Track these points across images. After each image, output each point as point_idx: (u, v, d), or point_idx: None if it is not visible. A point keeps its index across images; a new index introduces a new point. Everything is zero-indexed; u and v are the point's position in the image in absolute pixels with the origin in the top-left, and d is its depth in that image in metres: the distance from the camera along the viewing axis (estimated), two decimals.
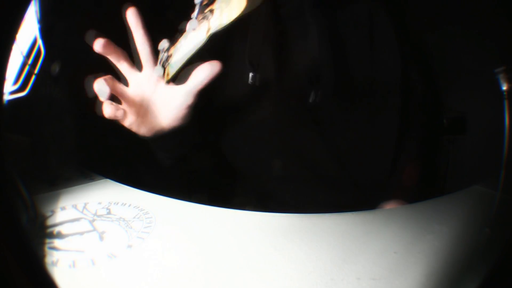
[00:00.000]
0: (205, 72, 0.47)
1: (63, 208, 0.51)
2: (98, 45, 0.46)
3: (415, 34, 0.71)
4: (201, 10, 0.47)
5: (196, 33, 0.46)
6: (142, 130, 0.51)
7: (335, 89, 0.61)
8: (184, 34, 0.47)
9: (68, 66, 0.64)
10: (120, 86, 0.48)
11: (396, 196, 0.69)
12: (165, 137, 0.53)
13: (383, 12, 0.65)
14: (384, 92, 0.64)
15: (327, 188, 0.69)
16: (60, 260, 0.39)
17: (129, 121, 0.50)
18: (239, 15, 0.44)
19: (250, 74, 0.58)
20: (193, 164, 0.66)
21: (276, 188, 0.69)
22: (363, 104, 0.64)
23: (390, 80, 0.64)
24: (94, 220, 0.47)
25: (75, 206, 0.52)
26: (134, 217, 0.48)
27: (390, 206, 0.63)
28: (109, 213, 0.50)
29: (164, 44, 0.48)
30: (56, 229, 0.45)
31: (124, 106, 0.49)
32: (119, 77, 0.49)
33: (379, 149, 0.68)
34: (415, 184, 0.69)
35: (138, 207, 0.51)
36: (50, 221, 0.47)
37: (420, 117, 0.72)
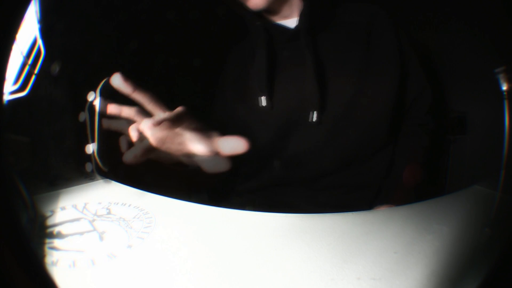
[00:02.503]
0: (233, 146, 0.50)
1: (63, 208, 0.51)
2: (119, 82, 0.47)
3: (416, 41, 0.72)
4: None
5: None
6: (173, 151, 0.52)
7: (331, 111, 0.65)
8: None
9: (68, 66, 0.64)
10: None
11: (393, 197, 0.69)
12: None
13: (381, 26, 0.67)
14: (381, 106, 0.66)
15: (327, 189, 0.69)
16: (60, 260, 0.39)
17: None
18: None
19: (262, 98, 0.64)
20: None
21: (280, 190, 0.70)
22: (362, 120, 0.66)
23: (386, 96, 0.66)
24: (94, 220, 0.47)
25: (75, 206, 0.52)
26: (134, 217, 0.48)
27: (385, 207, 0.64)
28: (109, 213, 0.50)
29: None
30: (56, 229, 0.45)
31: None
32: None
33: (377, 152, 0.69)
34: (415, 185, 0.69)
35: (138, 207, 0.51)
36: (50, 221, 0.47)
37: (421, 120, 0.72)
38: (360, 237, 0.43)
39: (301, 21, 0.64)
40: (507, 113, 0.50)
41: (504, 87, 0.54)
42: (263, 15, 0.67)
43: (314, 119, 0.63)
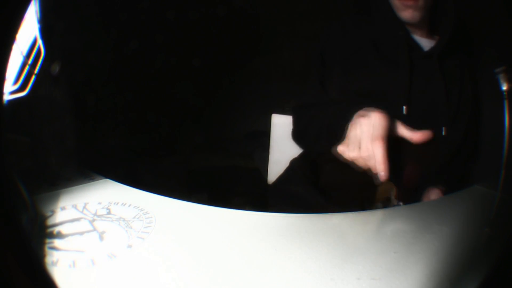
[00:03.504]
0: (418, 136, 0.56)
1: (63, 208, 0.51)
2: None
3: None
4: None
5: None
6: None
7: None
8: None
9: (68, 66, 0.64)
10: None
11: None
12: None
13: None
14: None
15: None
16: (60, 260, 0.39)
17: None
18: None
19: (404, 107, 0.67)
20: None
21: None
22: None
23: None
24: (94, 220, 0.47)
25: (75, 206, 0.52)
26: (134, 217, 0.48)
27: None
28: (109, 213, 0.50)
29: None
30: (56, 229, 0.45)
31: None
32: None
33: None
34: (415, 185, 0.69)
35: (138, 207, 0.51)
36: (50, 221, 0.47)
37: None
38: (360, 237, 0.43)
39: (438, 44, 0.69)
40: (507, 113, 0.50)
41: (504, 87, 0.54)
42: (405, 27, 0.71)
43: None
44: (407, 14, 0.67)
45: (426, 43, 0.72)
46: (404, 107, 0.67)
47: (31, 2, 0.40)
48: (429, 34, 0.73)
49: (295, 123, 0.80)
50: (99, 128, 0.70)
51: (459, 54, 0.73)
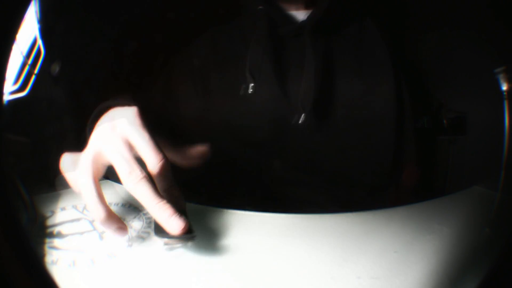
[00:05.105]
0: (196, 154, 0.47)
1: (63, 209, 0.51)
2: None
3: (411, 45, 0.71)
4: None
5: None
6: None
7: (327, 113, 0.62)
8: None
9: (68, 66, 0.64)
10: None
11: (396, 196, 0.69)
12: None
13: (376, 30, 0.66)
14: (379, 105, 0.65)
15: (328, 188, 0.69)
16: (60, 260, 0.39)
17: None
18: None
19: (250, 85, 0.58)
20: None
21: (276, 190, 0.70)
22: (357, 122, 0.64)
23: (385, 95, 0.65)
24: (94, 220, 0.47)
25: (75, 207, 0.52)
26: (134, 217, 0.48)
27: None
28: None
29: None
30: (56, 229, 0.45)
31: None
32: None
33: (374, 152, 0.68)
34: (415, 185, 0.69)
35: (138, 207, 0.51)
36: (50, 221, 0.47)
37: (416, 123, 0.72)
38: (360, 237, 0.43)
39: (310, 17, 0.60)
40: (507, 113, 0.50)
41: (504, 87, 0.54)
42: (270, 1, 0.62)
43: (302, 120, 0.59)
44: None
45: (304, 17, 0.62)
46: (251, 85, 0.58)
47: (31, 2, 0.40)
48: (310, 5, 0.62)
49: None
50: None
51: (357, 26, 0.64)
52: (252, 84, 0.58)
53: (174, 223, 0.35)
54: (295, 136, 0.63)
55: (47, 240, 0.43)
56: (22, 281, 0.27)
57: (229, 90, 0.63)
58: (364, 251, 0.40)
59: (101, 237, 0.43)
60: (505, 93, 0.54)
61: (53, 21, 0.59)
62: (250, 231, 0.45)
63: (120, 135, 0.38)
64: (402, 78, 0.68)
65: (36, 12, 0.55)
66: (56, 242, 0.42)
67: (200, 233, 0.45)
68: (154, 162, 0.37)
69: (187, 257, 0.40)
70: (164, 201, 0.36)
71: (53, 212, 0.50)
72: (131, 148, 0.38)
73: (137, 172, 0.36)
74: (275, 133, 0.64)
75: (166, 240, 0.36)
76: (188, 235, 0.35)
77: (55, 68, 0.61)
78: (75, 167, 0.38)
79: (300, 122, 0.58)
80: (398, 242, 0.41)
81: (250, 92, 0.58)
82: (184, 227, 0.35)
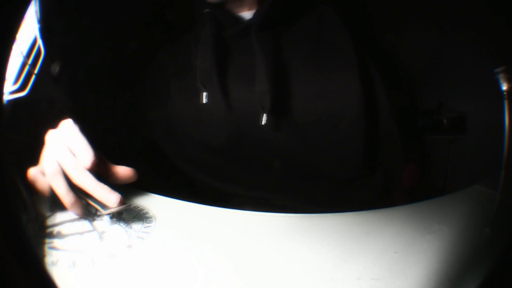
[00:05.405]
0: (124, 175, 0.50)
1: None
2: None
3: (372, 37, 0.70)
4: None
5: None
6: None
7: (287, 110, 0.61)
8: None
9: (68, 66, 0.64)
10: None
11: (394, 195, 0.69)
12: None
13: (337, 20, 0.64)
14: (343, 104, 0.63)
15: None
16: (60, 260, 0.39)
17: None
18: None
19: (204, 94, 0.59)
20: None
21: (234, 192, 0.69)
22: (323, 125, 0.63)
23: (346, 91, 0.63)
24: (94, 220, 0.47)
25: None
26: (134, 217, 0.48)
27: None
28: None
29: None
30: (56, 229, 0.45)
31: None
32: None
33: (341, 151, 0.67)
34: (414, 185, 0.69)
35: (138, 207, 0.51)
36: (50, 221, 0.47)
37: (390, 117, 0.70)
38: (360, 237, 0.43)
39: (256, 15, 0.60)
40: (507, 113, 0.50)
41: (504, 87, 0.54)
42: (218, 4, 0.61)
43: (264, 121, 0.58)
44: None
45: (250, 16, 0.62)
46: (204, 94, 0.58)
47: (31, 2, 0.40)
48: (257, 5, 0.62)
49: None
50: (99, 128, 0.70)
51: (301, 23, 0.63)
52: (205, 93, 0.59)
53: (114, 196, 0.45)
54: (260, 137, 0.62)
55: (47, 240, 0.43)
56: (22, 282, 0.27)
57: (188, 99, 0.63)
58: (364, 251, 0.40)
59: (101, 237, 0.44)
60: (505, 93, 0.54)
61: (53, 21, 0.59)
62: (250, 231, 0.45)
63: (62, 138, 0.47)
64: (369, 69, 0.66)
65: (36, 12, 0.55)
66: (56, 242, 0.42)
67: (201, 233, 0.45)
68: (87, 156, 0.46)
69: (186, 257, 0.40)
70: (103, 184, 0.45)
71: (53, 212, 0.50)
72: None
73: (81, 167, 0.45)
74: (238, 137, 0.63)
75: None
76: (124, 204, 0.46)
77: (55, 68, 0.61)
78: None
79: (263, 123, 0.58)
80: (398, 243, 0.41)
81: (204, 102, 0.59)
82: (121, 198, 0.45)
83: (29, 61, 0.56)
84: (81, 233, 0.44)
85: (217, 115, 0.62)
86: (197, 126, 0.65)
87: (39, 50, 0.57)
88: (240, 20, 0.63)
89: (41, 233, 0.44)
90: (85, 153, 0.46)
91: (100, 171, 0.48)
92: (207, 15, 0.59)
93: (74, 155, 0.46)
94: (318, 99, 0.61)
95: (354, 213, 0.49)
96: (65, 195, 0.44)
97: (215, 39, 0.59)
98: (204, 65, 0.59)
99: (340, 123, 0.63)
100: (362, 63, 0.64)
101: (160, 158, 0.70)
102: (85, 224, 0.46)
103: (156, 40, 0.73)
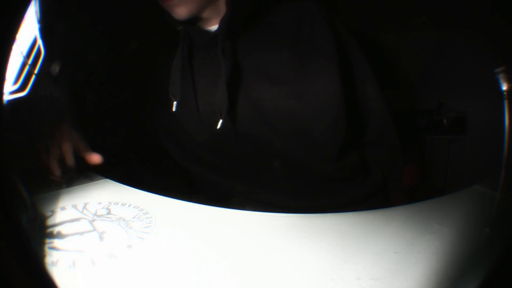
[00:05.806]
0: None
1: (63, 208, 0.51)
2: None
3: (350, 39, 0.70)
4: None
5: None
6: None
7: (244, 114, 0.65)
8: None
9: (68, 66, 0.64)
10: None
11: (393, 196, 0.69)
12: None
13: (310, 21, 0.66)
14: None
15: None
16: (60, 260, 0.39)
17: None
18: None
19: (174, 103, 0.64)
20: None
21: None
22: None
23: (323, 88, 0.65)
24: (94, 220, 0.47)
25: (75, 206, 0.52)
26: (134, 217, 0.48)
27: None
28: (109, 213, 0.50)
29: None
30: (56, 229, 0.45)
31: None
32: None
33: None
34: (414, 185, 0.69)
35: (138, 207, 0.51)
36: (50, 221, 0.47)
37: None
38: (360, 237, 0.43)
39: (220, 26, 0.63)
40: (507, 113, 0.50)
41: (504, 87, 0.54)
42: (190, 21, 0.65)
43: (219, 126, 0.62)
44: (175, 13, 0.61)
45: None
46: (175, 103, 0.63)
47: (31, 2, 0.40)
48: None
49: None
50: (98, 128, 0.70)
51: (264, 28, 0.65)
52: (175, 103, 0.64)
53: (95, 156, 0.57)
54: (224, 140, 0.67)
55: (47, 240, 0.43)
56: (22, 282, 0.27)
57: (166, 108, 0.68)
58: (364, 251, 0.40)
59: (101, 237, 0.44)
60: (505, 93, 0.54)
61: (53, 21, 0.59)
62: (250, 231, 0.45)
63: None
64: (360, 69, 0.68)
65: (36, 12, 0.55)
66: (56, 242, 0.42)
67: (201, 233, 0.45)
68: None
69: (186, 257, 0.40)
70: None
71: (53, 212, 0.50)
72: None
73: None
74: (212, 138, 0.67)
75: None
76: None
77: (55, 68, 0.61)
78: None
79: (218, 127, 0.61)
80: (398, 243, 0.41)
81: (174, 110, 0.64)
82: (100, 157, 0.57)
83: (29, 61, 0.56)
84: (81, 233, 0.44)
85: (188, 121, 0.69)
86: (177, 130, 0.71)
87: (39, 50, 0.57)
88: (207, 33, 0.67)
89: (41, 233, 0.44)
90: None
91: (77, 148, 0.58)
92: (181, 31, 0.65)
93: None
94: (288, 99, 0.64)
95: (354, 213, 0.49)
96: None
97: (187, 52, 0.65)
98: (174, 78, 0.64)
99: (313, 122, 0.65)
100: (344, 62, 0.65)
101: (158, 156, 0.74)
102: (85, 224, 0.46)
103: (156, 41, 0.74)
